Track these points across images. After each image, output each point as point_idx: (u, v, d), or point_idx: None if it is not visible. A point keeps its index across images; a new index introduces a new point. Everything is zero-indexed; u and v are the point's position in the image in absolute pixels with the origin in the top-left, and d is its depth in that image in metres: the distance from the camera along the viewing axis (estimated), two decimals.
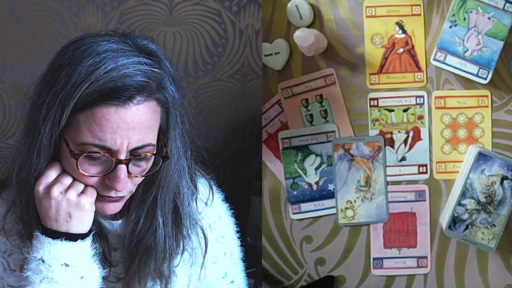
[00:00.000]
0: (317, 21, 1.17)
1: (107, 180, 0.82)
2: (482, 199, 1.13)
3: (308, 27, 1.16)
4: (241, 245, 1.09)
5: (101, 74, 0.77)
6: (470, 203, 1.13)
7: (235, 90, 1.81)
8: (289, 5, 1.15)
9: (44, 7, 1.67)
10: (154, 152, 0.85)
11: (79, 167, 0.81)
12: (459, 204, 1.13)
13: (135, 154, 0.82)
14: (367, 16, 1.16)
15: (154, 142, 0.84)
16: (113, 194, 0.85)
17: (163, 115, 0.86)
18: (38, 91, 0.83)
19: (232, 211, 1.07)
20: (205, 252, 0.99)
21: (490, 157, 1.12)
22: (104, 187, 0.84)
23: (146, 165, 0.86)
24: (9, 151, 1.82)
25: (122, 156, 0.81)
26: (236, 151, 1.88)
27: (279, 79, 1.19)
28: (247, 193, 1.62)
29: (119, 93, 0.78)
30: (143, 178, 0.87)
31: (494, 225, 1.14)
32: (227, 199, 1.07)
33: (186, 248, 0.96)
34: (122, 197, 0.87)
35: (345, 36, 1.17)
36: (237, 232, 1.08)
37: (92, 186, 0.84)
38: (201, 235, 0.98)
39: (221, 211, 1.05)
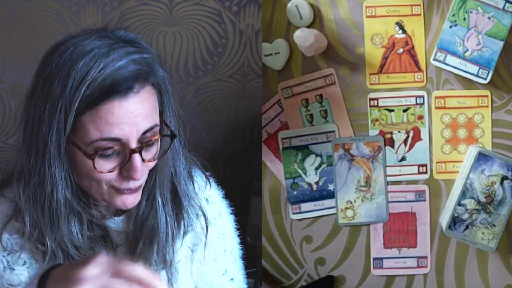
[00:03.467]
0: (317, 21, 1.17)
1: (125, 171, 0.83)
2: (482, 199, 1.13)
3: (308, 27, 1.16)
4: (241, 245, 1.09)
5: (96, 73, 0.78)
6: (470, 203, 1.13)
7: (235, 90, 1.81)
8: (289, 5, 1.15)
9: (44, 7, 1.67)
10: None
11: (96, 166, 0.81)
12: (459, 204, 1.13)
13: (145, 140, 0.83)
14: (367, 16, 1.16)
15: (158, 122, 0.86)
16: (131, 185, 0.85)
17: (158, 97, 0.87)
18: (33, 105, 0.82)
19: (232, 210, 1.08)
20: (207, 232, 0.99)
21: (490, 157, 1.12)
22: (122, 180, 0.84)
23: (157, 148, 0.87)
24: (9, 151, 1.82)
25: (134, 144, 0.81)
26: (236, 151, 1.88)
27: (279, 79, 1.19)
28: (247, 193, 1.62)
29: (118, 87, 0.79)
30: (156, 161, 0.88)
31: (494, 225, 1.14)
32: (227, 199, 1.07)
33: (186, 229, 0.97)
34: (140, 186, 0.87)
35: (345, 36, 1.17)
36: (237, 231, 1.09)
37: None
38: (200, 213, 0.99)
39: (222, 208, 1.05)
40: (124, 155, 0.82)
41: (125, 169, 0.83)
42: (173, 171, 0.94)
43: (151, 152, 0.86)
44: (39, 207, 0.85)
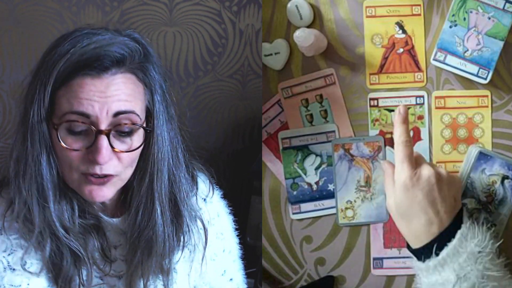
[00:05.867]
0: (317, 21, 1.17)
1: (90, 154, 0.82)
2: (483, 199, 1.13)
3: (308, 27, 1.16)
4: (241, 245, 1.09)
5: (76, 50, 0.80)
6: (470, 203, 1.13)
7: (235, 90, 1.81)
8: (289, 5, 1.15)
9: (44, 7, 1.67)
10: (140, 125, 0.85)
11: (60, 139, 0.81)
12: None
13: (116, 124, 0.82)
14: (367, 16, 1.16)
15: (139, 113, 0.85)
16: (97, 170, 0.84)
17: (148, 97, 0.87)
18: (26, 89, 0.86)
19: (232, 210, 1.08)
20: (206, 243, 0.99)
21: (491, 157, 1.12)
22: (89, 164, 0.84)
23: (131, 142, 0.86)
24: (9, 151, 1.82)
25: (103, 125, 0.81)
26: (236, 151, 1.88)
27: (279, 79, 1.19)
28: (247, 193, 1.62)
29: (93, 63, 0.80)
30: (132, 159, 0.87)
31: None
32: (227, 199, 1.07)
33: (186, 243, 0.96)
34: (108, 178, 0.86)
35: (345, 36, 1.17)
36: (237, 231, 1.09)
37: None
38: (201, 226, 0.98)
39: (220, 208, 1.05)
40: (92, 136, 0.82)
41: (91, 151, 0.82)
42: (173, 179, 0.93)
43: (126, 144, 0.85)
44: (26, 183, 0.85)
